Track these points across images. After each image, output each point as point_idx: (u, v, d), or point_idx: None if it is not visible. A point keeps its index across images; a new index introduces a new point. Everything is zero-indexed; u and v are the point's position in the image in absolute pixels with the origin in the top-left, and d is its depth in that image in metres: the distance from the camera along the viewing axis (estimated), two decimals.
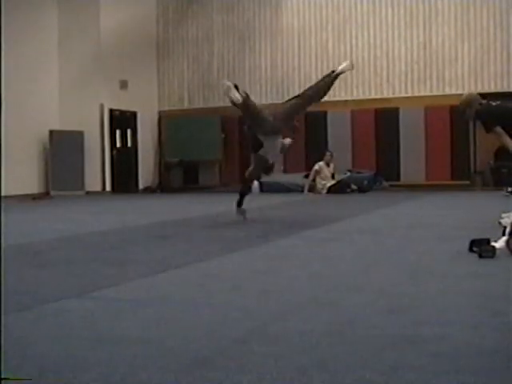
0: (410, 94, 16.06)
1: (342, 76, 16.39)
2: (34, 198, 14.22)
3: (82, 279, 4.04)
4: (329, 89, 8.32)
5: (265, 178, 16.19)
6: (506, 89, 14.41)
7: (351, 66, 8.67)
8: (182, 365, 2.26)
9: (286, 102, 8.24)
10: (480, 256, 4.46)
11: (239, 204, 7.84)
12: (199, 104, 17.95)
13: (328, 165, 14.63)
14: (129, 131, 17.43)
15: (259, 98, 17.32)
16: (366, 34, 16.41)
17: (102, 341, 2.58)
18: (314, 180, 14.60)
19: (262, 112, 7.72)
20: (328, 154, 14.76)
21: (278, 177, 16.08)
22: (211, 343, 2.53)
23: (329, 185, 14.38)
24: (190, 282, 3.95)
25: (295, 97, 8.13)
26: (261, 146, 7.73)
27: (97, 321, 2.93)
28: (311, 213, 7.03)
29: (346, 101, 16.48)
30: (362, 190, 14.55)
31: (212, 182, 17.71)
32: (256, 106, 7.80)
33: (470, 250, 4.66)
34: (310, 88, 8.25)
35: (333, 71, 8.47)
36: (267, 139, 7.71)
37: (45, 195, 15.40)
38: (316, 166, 14.53)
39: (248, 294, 3.52)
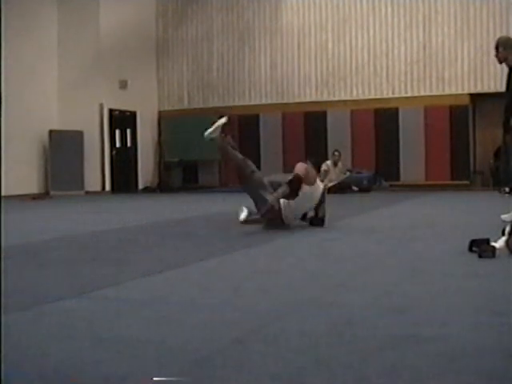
0: (409, 94, 16.07)
1: (341, 76, 16.61)
2: (33, 197, 14.21)
3: (81, 279, 4.04)
4: None
5: (265, 178, 16.22)
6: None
7: None
8: (181, 365, 2.26)
9: None
10: (480, 256, 4.45)
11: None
12: (199, 104, 17.96)
13: (336, 164, 14.59)
14: (128, 131, 17.44)
15: (259, 98, 17.35)
16: (365, 33, 16.41)
17: (102, 341, 2.58)
18: (322, 181, 14.37)
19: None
20: (336, 153, 14.69)
21: (278, 177, 16.09)
22: (211, 343, 2.53)
23: (330, 185, 14.35)
24: (190, 281, 3.94)
25: None
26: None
27: (97, 321, 2.93)
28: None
29: (346, 101, 16.50)
30: (361, 189, 14.55)
31: (211, 181, 17.72)
32: None
33: (470, 249, 4.66)
34: None
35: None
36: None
37: (44, 195, 15.40)
38: (324, 166, 14.41)
39: (248, 294, 3.52)
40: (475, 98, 15.82)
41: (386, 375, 2.10)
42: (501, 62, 7.21)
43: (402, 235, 6.21)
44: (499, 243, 4.58)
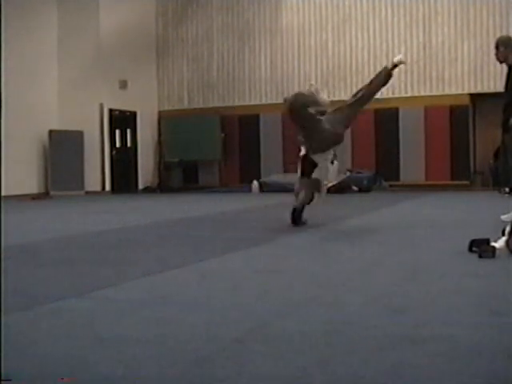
0: (409, 94, 16.07)
1: (341, 76, 16.59)
2: (33, 197, 14.21)
3: (81, 279, 4.04)
4: (382, 86, 7.53)
5: (265, 178, 16.25)
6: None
7: (403, 60, 7.21)
8: (181, 365, 2.26)
9: (337, 110, 7.33)
10: (480, 256, 4.45)
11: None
12: (199, 104, 17.96)
13: (332, 163, 14.57)
14: (128, 131, 17.44)
15: (259, 98, 17.35)
16: (365, 33, 16.41)
17: (102, 341, 2.58)
18: None
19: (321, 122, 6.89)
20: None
21: (278, 177, 16.10)
22: (211, 343, 2.53)
23: (329, 185, 14.33)
24: (190, 281, 3.94)
25: (348, 105, 7.38)
26: (314, 166, 6.90)
27: (96, 321, 2.93)
28: (311, 213, 7.02)
29: (346, 100, 16.46)
30: (361, 190, 14.54)
31: (212, 181, 17.71)
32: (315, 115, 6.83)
33: (470, 250, 4.66)
34: (361, 90, 7.35)
35: (385, 67, 7.37)
36: (321, 158, 6.96)
37: (44, 195, 15.40)
38: None
39: (248, 294, 3.52)
40: (475, 98, 15.82)
41: (386, 375, 2.10)
42: (501, 62, 7.21)
43: (402, 235, 6.21)
44: (499, 243, 4.57)
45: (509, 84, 7.07)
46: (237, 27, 17.54)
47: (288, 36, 17.06)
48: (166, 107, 18.28)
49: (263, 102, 17.29)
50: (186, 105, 18.14)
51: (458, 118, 15.65)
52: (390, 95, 16.22)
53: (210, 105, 17.76)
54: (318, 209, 7.40)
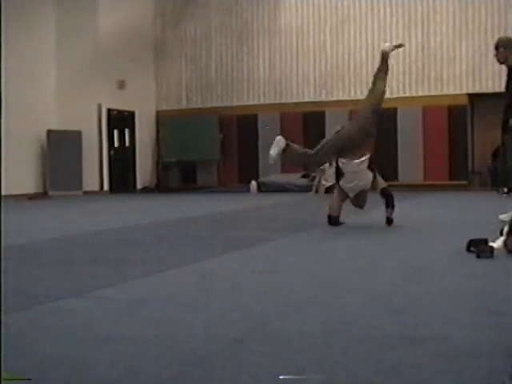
0: (408, 94, 16.07)
1: (340, 76, 16.59)
2: (30, 197, 14.20)
3: (80, 279, 4.04)
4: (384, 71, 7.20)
5: (263, 178, 16.25)
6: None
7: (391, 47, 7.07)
8: (180, 365, 2.26)
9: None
10: (478, 256, 4.46)
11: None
12: (197, 104, 17.95)
13: (331, 164, 14.57)
14: (127, 131, 17.43)
15: (257, 98, 17.35)
16: (364, 34, 16.42)
17: (102, 341, 2.58)
18: (319, 181, 14.52)
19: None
20: None
21: (276, 177, 16.11)
22: (210, 343, 2.53)
23: (328, 185, 14.34)
24: (190, 281, 3.94)
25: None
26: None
27: (96, 321, 2.93)
28: (310, 213, 7.03)
29: (344, 101, 16.49)
30: None
31: (210, 182, 17.71)
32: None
33: (468, 250, 4.66)
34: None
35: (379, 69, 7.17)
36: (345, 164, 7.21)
37: (42, 195, 15.39)
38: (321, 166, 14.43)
39: (248, 294, 3.52)
40: (474, 98, 15.83)
41: (386, 375, 2.10)
42: (501, 63, 7.21)
43: (402, 235, 6.21)
44: (497, 243, 4.58)
45: (509, 85, 7.08)
46: (235, 27, 17.54)
47: (286, 36, 17.07)
48: (165, 107, 18.28)
49: (261, 102, 17.29)
50: (184, 105, 18.14)
51: (457, 118, 15.66)
52: (388, 95, 16.17)
53: (209, 105, 17.76)
54: (317, 208, 7.40)
